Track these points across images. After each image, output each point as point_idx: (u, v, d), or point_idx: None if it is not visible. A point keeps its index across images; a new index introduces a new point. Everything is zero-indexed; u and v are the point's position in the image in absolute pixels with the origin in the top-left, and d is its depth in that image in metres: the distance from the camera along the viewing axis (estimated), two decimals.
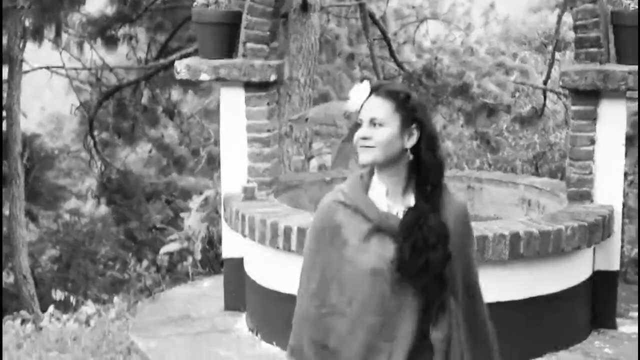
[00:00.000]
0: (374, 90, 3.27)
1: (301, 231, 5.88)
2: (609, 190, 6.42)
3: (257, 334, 6.40)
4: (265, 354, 6.14)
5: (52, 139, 23.40)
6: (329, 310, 3.28)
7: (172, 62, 15.26)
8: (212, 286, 7.54)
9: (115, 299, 8.23)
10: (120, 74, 17.49)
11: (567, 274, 6.16)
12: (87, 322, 7.71)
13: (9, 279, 14.03)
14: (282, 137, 10.60)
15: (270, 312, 6.30)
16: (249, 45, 6.71)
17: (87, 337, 7.08)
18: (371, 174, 3.35)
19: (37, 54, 16.95)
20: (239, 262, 6.75)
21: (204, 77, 6.75)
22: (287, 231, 5.97)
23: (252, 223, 6.20)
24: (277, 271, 6.23)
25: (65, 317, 7.96)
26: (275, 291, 6.22)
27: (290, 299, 5.92)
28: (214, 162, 19.38)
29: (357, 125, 3.28)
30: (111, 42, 17.18)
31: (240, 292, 6.75)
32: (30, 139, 17.95)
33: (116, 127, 18.23)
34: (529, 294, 5.83)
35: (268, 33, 6.70)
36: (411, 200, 3.28)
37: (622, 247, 8.48)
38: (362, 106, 3.26)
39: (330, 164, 13.98)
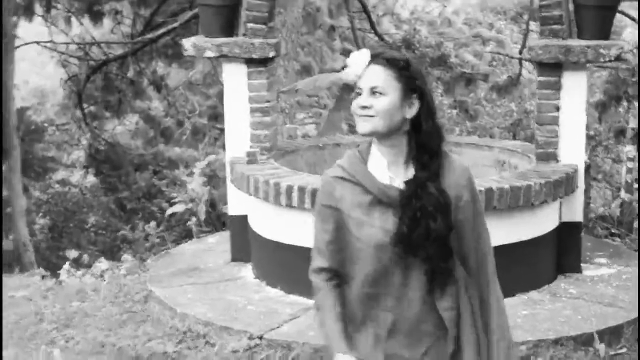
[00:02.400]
0: (374, 57, 3.27)
1: (301, 189, 6.80)
2: (572, 151, 7.36)
3: (262, 280, 7.33)
4: (269, 297, 7.06)
5: (35, 112, 24.08)
6: (340, 280, 3.41)
7: (158, 37, 16.17)
8: (217, 242, 8.50)
9: (125, 256, 9.14)
10: (107, 48, 18.25)
11: (536, 224, 7.10)
12: (101, 277, 8.59)
13: (8, 247, 14.80)
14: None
15: (274, 261, 7.24)
16: (250, 25, 7.58)
17: (105, 288, 7.99)
18: (369, 147, 3.38)
19: (21, 30, 17.68)
20: (243, 219, 7.67)
21: (208, 54, 7.62)
22: (289, 190, 6.89)
23: (257, 183, 7.11)
24: (279, 225, 7.15)
25: (79, 272, 8.84)
26: (278, 242, 7.15)
27: (291, 248, 6.90)
28: (198, 133, 20.26)
29: (356, 94, 3.27)
30: (97, 17, 18.00)
31: (245, 245, 7.67)
32: (19, 112, 18.68)
33: (104, 100, 19.08)
34: (503, 242, 6.61)
35: (267, 14, 7.59)
36: (412, 171, 3.30)
37: (589, 203, 9.49)
38: (361, 74, 3.26)
39: (319, 132, 14.86)
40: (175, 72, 20.45)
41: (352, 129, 15.12)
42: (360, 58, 3.27)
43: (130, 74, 18.46)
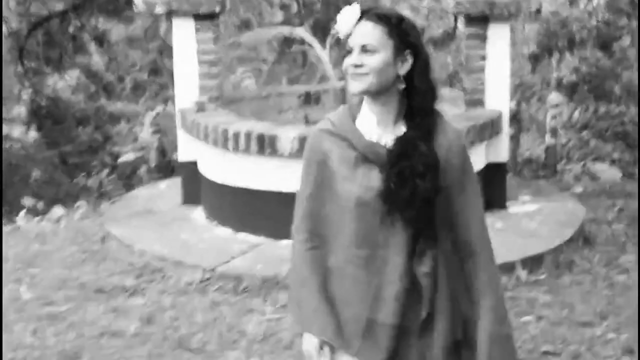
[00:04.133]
0: (364, 14, 3.18)
1: (247, 135, 7.46)
2: (497, 98, 8.10)
3: (213, 220, 7.99)
4: (219, 235, 7.74)
5: None
6: (318, 242, 3.33)
7: None
8: (168, 187, 9.18)
9: (80, 202, 9.75)
10: (48, 4, 18.62)
11: None
12: (58, 222, 9.19)
13: None
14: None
15: (223, 202, 7.91)
16: None
17: (63, 231, 8.60)
18: (360, 103, 3.30)
19: None
20: (193, 164, 8.32)
21: (158, 10, 8.24)
22: (236, 135, 7.54)
23: (206, 130, 7.76)
24: (227, 169, 7.81)
25: (37, 219, 9.43)
26: (226, 185, 7.82)
27: (239, 190, 7.57)
28: (139, 88, 20.73)
29: (347, 52, 3.20)
30: None
31: (195, 189, 8.33)
32: None
33: (45, 56, 19.46)
34: None
35: None
36: (402, 130, 3.23)
37: (517, 148, 10.29)
38: (351, 32, 3.18)
39: (261, 84, 15.40)
40: (115, 27, 20.81)
41: (290, 82, 15.71)
42: (349, 15, 3.18)
43: (72, 29, 18.85)
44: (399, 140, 3.21)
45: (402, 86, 3.21)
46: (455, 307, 3.29)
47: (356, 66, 3.16)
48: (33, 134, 20.85)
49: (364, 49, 3.15)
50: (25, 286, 7.10)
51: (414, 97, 3.21)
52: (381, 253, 3.24)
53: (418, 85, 3.20)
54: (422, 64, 3.20)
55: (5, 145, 20.51)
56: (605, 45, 14.64)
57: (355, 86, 3.20)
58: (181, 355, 5.85)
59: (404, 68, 3.19)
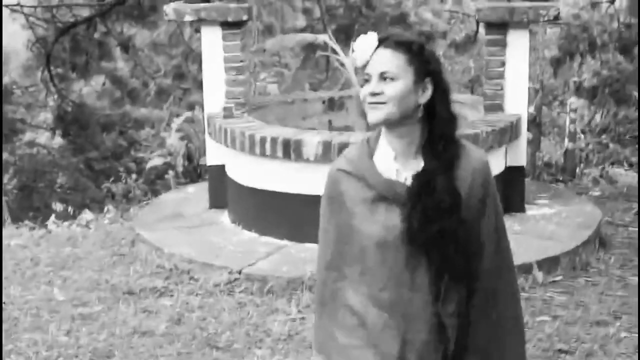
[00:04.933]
0: (382, 41, 3.09)
1: (273, 140, 7.74)
2: (516, 102, 8.35)
3: (238, 225, 8.27)
4: (246, 239, 8.01)
5: None
6: (343, 282, 3.23)
7: None
8: (195, 191, 9.47)
9: (108, 207, 10.06)
10: (75, 10, 18.96)
11: None
12: (87, 226, 9.51)
13: None
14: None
15: (249, 206, 8.18)
16: None
17: (93, 235, 8.91)
18: (378, 136, 3.21)
19: None
20: (220, 169, 8.61)
21: (187, 18, 8.53)
22: (262, 140, 7.82)
23: (234, 135, 8.05)
24: (254, 172, 8.09)
25: (66, 223, 9.75)
26: (253, 188, 8.10)
27: (264, 193, 7.85)
28: (163, 93, 21.05)
29: (364, 81, 3.11)
30: None
31: (222, 193, 8.61)
32: None
33: (71, 62, 19.80)
34: None
35: None
36: (422, 163, 3.12)
37: (536, 152, 10.52)
38: (368, 60, 3.09)
39: (284, 89, 15.71)
40: (140, 33, 21.12)
41: (313, 87, 15.98)
42: (367, 42, 3.09)
43: (97, 35, 19.18)
44: (419, 175, 3.09)
45: (421, 114, 3.10)
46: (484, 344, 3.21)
47: (374, 94, 3.06)
48: (58, 140, 21.22)
49: (383, 77, 3.05)
50: (58, 288, 7.39)
51: (435, 126, 3.10)
52: (407, 295, 3.13)
53: (439, 114, 3.09)
54: (442, 92, 3.10)
55: (32, 151, 20.92)
56: (626, 49, 14.83)
57: (374, 116, 3.08)
58: (209, 353, 6.10)
59: (424, 96, 3.08)
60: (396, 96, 3.03)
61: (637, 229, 8.46)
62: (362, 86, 3.14)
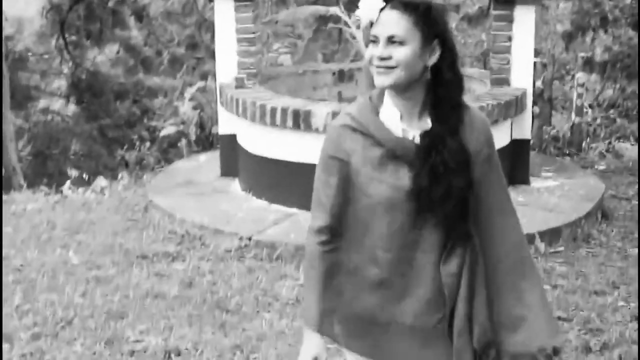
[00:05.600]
0: (389, 1, 3.03)
1: (283, 111, 7.97)
2: (521, 77, 8.55)
3: (249, 192, 8.51)
4: (256, 206, 8.26)
5: (13, 41, 24.79)
6: (338, 244, 3.22)
7: None
8: (207, 159, 9.73)
9: (123, 173, 10.32)
10: None
11: None
12: (101, 192, 9.76)
13: None
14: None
15: (260, 174, 8.43)
16: None
17: (107, 201, 9.17)
18: (381, 94, 3.15)
19: None
20: (232, 138, 8.85)
21: None
22: (273, 111, 8.05)
23: (245, 105, 8.28)
24: (265, 142, 8.34)
25: (81, 189, 10.00)
26: (264, 157, 8.34)
27: (275, 162, 8.08)
28: (176, 63, 21.24)
29: (371, 42, 3.05)
30: None
31: (233, 162, 8.85)
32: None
33: (85, 29, 20.03)
34: None
35: None
36: (428, 124, 3.08)
37: (542, 126, 10.72)
38: (375, 20, 3.03)
39: (296, 60, 15.91)
40: (154, 1, 21.28)
41: (325, 59, 16.15)
42: (372, 2, 3.04)
43: (111, 3, 19.39)
44: (427, 135, 3.06)
45: (428, 77, 3.06)
46: (480, 307, 3.18)
47: (383, 59, 3.00)
48: (72, 107, 21.45)
49: (391, 40, 2.98)
50: (73, 252, 7.63)
51: (441, 89, 3.06)
52: (407, 255, 3.12)
53: (446, 77, 3.05)
54: (450, 54, 3.05)
55: (46, 117, 21.15)
56: (638, 24, 14.95)
57: (382, 80, 3.03)
58: (219, 316, 6.32)
59: (432, 59, 3.03)
60: (405, 61, 2.98)
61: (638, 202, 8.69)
62: (366, 45, 3.11)
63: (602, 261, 7.25)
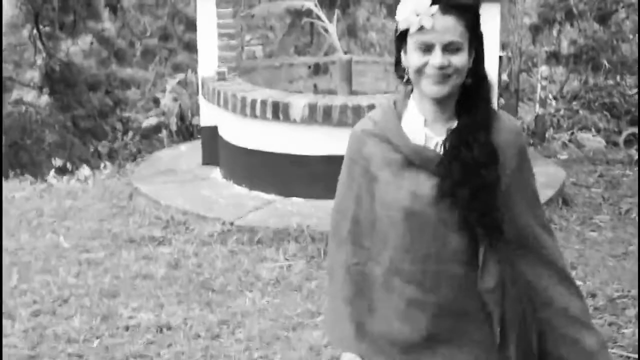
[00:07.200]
0: (441, 4, 2.81)
1: (263, 102, 8.49)
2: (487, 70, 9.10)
3: (230, 180, 9.05)
4: (236, 193, 8.79)
5: None
6: (362, 256, 3.08)
7: None
8: (188, 149, 10.28)
9: (106, 163, 10.82)
10: None
11: None
12: (85, 181, 10.26)
13: None
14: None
15: (239, 164, 8.96)
16: None
17: (92, 189, 9.67)
18: (405, 98, 3.03)
19: None
20: (213, 129, 9.38)
21: None
22: (253, 103, 8.57)
23: (226, 97, 8.82)
24: (244, 133, 8.86)
25: (66, 177, 10.49)
26: (243, 147, 8.87)
27: (254, 153, 8.61)
28: (149, 54, 21.64)
29: (420, 49, 2.86)
30: None
31: (214, 151, 9.38)
32: None
33: (60, 20, 20.36)
34: None
35: None
36: (454, 125, 2.94)
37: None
38: (428, 26, 2.81)
39: (268, 53, 16.36)
40: None
41: (297, 51, 16.61)
42: (421, 3, 2.82)
43: None
44: (456, 131, 2.91)
45: (469, 81, 2.92)
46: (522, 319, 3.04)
47: (442, 68, 2.83)
48: (45, 98, 21.76)
49: (448, 48, 2.83)
50: (63, 236, 8.12)
51: (474, 88, 2.93)
52: (433, 268, 2.94)
53: (479, 75, 2.93)
54: (482, 53, 2.96)
55: (20, 108, 21.43)
56: (603, 18, 15.52)
57: (438, 90, 2.87)
58: (205, 294, 6.83)
59: (471, 60, 2.91)
60: (462, 68, 2.86)
61: (598, 190, 9.29)
62: (401, 52, 2.97)
63: (562, 244, 7.79)
